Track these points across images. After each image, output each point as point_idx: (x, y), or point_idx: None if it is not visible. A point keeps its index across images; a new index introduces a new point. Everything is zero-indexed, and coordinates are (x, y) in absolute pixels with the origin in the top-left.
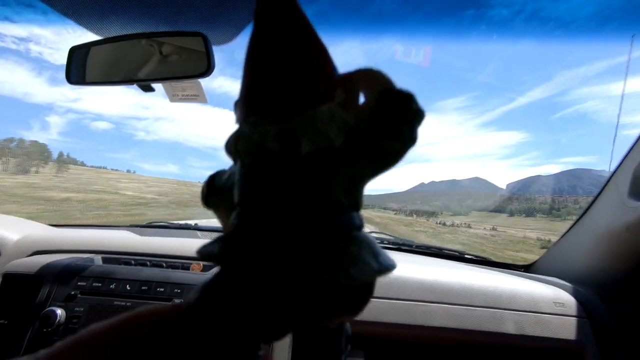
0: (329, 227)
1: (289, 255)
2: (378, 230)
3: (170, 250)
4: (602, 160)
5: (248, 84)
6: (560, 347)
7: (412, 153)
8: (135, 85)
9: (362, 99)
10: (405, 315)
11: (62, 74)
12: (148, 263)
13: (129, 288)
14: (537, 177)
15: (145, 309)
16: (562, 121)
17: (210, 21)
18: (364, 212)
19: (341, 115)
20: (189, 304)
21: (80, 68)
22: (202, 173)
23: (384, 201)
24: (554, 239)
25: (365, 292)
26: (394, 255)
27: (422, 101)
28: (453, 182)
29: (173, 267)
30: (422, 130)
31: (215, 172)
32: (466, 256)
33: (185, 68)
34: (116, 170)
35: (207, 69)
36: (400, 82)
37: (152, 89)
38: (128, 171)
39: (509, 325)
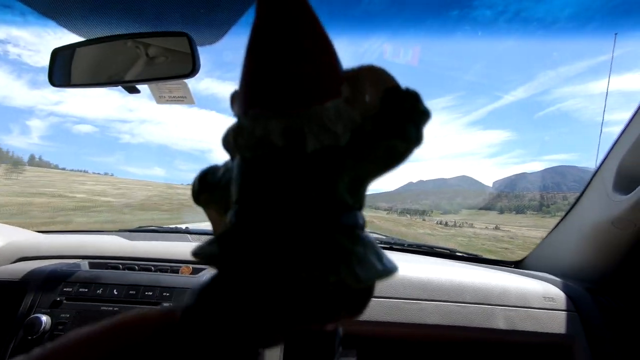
0: (334, 227)
1: (293, 257)
2: (370, 231)
3: (159, 254)
4: (584, 157)
5: (250, 75)
6: (550, 342)
7: None
8: (119, 88)
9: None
10: (397, 314)
11: (43, 77)
12: (136, 267)
13: (116, 293)
14: (523, 175)
15: (134, 314)
16: (545, 120)
17: (194, 22)
18: None
19: (348, 113)
20: (186, 308)
21: (63, 70)
22: (189, 176)
23: (373, 201)
24: None
25: (368, 293)
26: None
27: None
28: (441, 181)
29: (162, 270)
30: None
31: (207, 168)
32: (457, 254)
33: (170, 69)
34: (97, 173)
35: (192, 70)
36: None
37: (137, 91)
38: (106, 174)
39: (500, 321)
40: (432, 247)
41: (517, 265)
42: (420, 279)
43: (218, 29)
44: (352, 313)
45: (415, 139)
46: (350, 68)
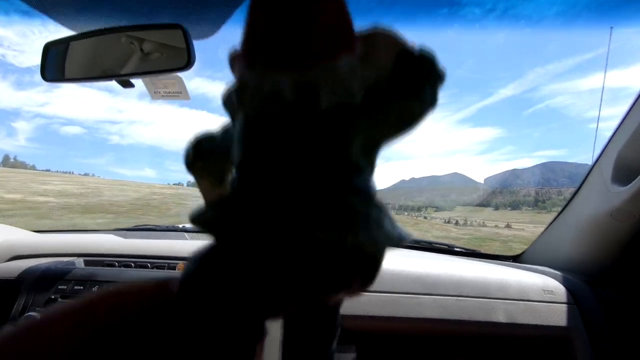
0: (348, 189)
1: (305, 218)
2: None
3: (156, 252)
4: (573, 153)
5: (256, 30)
6: (550, 335)
7: (391, 151)
8: (109, 87)
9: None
10: (396, 308)
11: (29, 77)
12: (132, 265)
13: None
14: (514, 171)
15: (129, 285)
16: (535, 116)
17: (188, 15)
18: None
19: (361, 71)
20: (184, 278)
21: (56, 65)
22: (181, 176)
23: None
24: None
25: (379, 260)
26: None
27: None
28: (433, 178)
29: (159, 267)
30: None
31: (201, 134)
32: (455, 249)
33: (165, 62)
34: (86, 174)
35: (187, 62)
36: None
37: (131, 85)
38: (86, 174)
39: (499, 314)
40: (430, 243)
41: (515, 259)
42: (418, 273)
43: (212, 23)
44: (365, 282)
45: (430, 101)
46: (362, 30)
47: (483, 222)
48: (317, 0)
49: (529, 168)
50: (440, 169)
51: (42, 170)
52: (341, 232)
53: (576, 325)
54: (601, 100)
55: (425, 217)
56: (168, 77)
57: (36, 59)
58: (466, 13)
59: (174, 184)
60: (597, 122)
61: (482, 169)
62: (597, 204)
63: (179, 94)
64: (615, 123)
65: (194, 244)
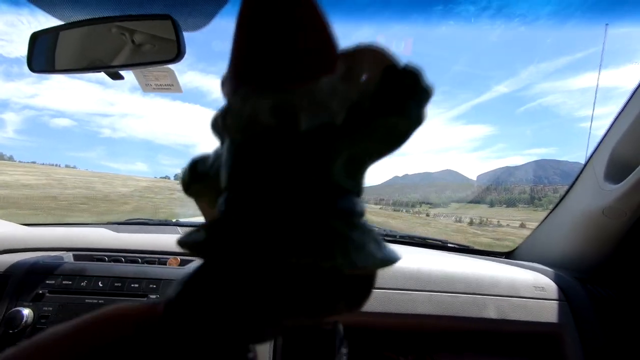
0: (329, 211)
1: (285, 243)
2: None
3: (147, 246)
4: (563, 151)
5: (239, 51)
6: (541, 331)
7: None
8: (99, 80)
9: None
10: (389, 304)
11: (17, 68)
12: (123, 259)
13: (101, 285)
14: (506, 168)
15: (114, 308)
16: (527, 114)
17: (180, 7)
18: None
19: (343, 90)
20: (169, 300)
21: (43, 55)
22: (173, 171)
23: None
24: None
25: (368, 284)
26: None
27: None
28: (426, 175)
29: (149, 262)
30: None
31: (197, 157)
32: (448, 245)
33: (155, 54)
34: (74, 167)
35: (177, 54)
36: None
37: (120, 77)
38: (67, 166)
39: (491, 310)
40: (424, 239)
41: (507, 255)
42: (411, 270)
43: (203, 14)
44: (351, 306)
45: (416, 117)
46: (347, 47)
47: (498, 222)
48: (297, 23)
49: (521, 166)
50: (433, 166)
51: (27, 162)
52: (318, 257)
53: (566, 322)
54: (595, 99)
55: (427, 215)
56: (159, 69)
57: (25, 49)
58: (461, 10)
59: (162, 177)
60: (591, 121)
61: (474, 166)
62: (589, 202)
63: (171, 87)
64: (606, 122)
65: None
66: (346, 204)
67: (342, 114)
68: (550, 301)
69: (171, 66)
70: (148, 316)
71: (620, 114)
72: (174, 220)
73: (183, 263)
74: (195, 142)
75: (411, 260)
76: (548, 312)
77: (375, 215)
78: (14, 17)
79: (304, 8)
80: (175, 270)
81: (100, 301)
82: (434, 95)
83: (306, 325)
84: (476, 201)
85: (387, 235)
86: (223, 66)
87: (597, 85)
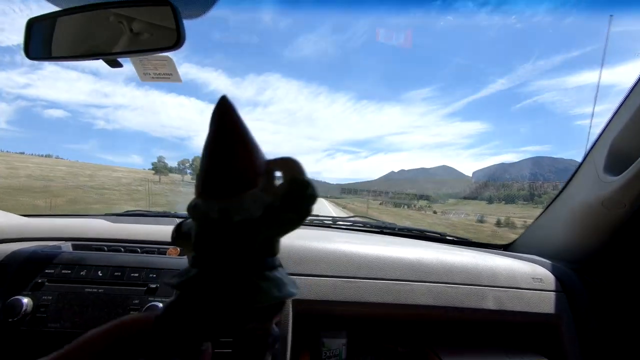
0: (250, 270)
1: (222, 288)
2: (361, 216)
3: (146, 236)
4: (558, 149)
5: (202, 173)
6: (538, 321)
7: (380, 143)
8: (92, 71)
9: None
10: (387, 295)
11: (9, 57)
12: (122, 249)
13: (100, 274)
14: (501, 165)
15: (129, 317)
16: (522, 112)
17: None
18: (355, 203)
19: (262, 197)
20: (157, 316)
21: (40, 42)
22: (169, 164)
23: (358, 190)
24: None
25: (275, 308)
26: (376, 238)
27: (390, 92)
28: (422, 170)
29: (148, 252)
30: (316, 205)
31: (181, 221)
32: (447, 237)
33: (154, 41)
34: (48, 156)
35: (177, 41)
36: (373, 74)
37: (119, 65)
38: (48, 156)
39: (490, 301)
40: (422, 231)
41: (505, 248)
42: (410, 261)
43: (201, 2)
44: (264, 322)
45: (304, 212)
46: (272, 159)
47: (525, 222)
48: (235, 157)
49: (516, 162)
50: (429, 162)
51: (17, 153)
52: (237, 298)
53: (564, 312)
54: (596, 94)
55: (434, 212)
56: (158, 58)
57: (16, 39)
58: (459, 6)
59: (136, 168)
60: (592, 115)
61: (468, 163)
62: (588, 193)
63: (170, 76)
64: (602, 120)
65: None
66: (264, 264)
67: (260, 211)
68: (548, 292)
69: (169, 54)
70: (145, 324)
71: (620, 106)
72: (172, 212)
73: (183, 253)
74: (191, 135)
75: (410, 252)
76: (546, 302)
77: (377, 212)
78: (6, 5)
79: (241, 146)
80: (175, 260)
81: (99, 290)
82: (317, 198)
83: (242, 329)
84: (473, 197)
85: (386, 227)
86: (219, 58)
87: (600, 77)
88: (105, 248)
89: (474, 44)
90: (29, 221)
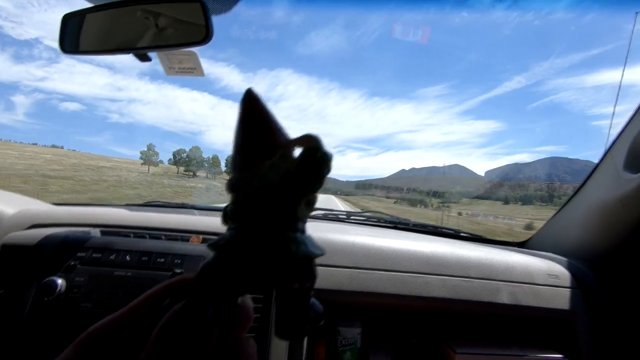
0: (279, 226)
1: (252, 240)
2: (374, 211)
3: (168, 224)
4: (573, 150)
5: (233, 153)
6: (553, 317)
7: (391, 140)
8: (107, 65)
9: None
10: (402, 287)
11: (28, 50)
12: (147, 236)
13: (128, 259)
14: (515, 165)
15: (175, 278)
16: (537, 111)
17: None
18: (367, 202)
19: (279, 164)
20: (196, 274)
21: (74, 36)
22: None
23: (369, 187)
24: None
25: (308, 266)
26: (390, 233)
27: (402, 89)
28: (433, 169)
29: (172, 239)
30: (330, 170)
31: (226, 205)
32: (462, 234)
33: (182, 36)
34: (73, 150)
35: (205, 37)
36: (385, 70)
37: (148, 59)
38: (54, 146)
39: (504, 295)
40: (436, 227)
41: (521, 245)
42: (425, 254)
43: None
44: (301, 279)
45: (318, 177)
46: (295, 137)
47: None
48: (259, 135)
49: (531, 163)
50: (441, 160)
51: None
52: (282, 249)
53: (579, 309)
54: (618, 92)
55: (459, 214)
56: (183, 53)
57: (34, 32)
58: (475, 2)
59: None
60: (613, 113)
61: (481, 162)
62: (607, 191)
63: (194, 70)
64: (622, 120)
65: (203, 219)
66: (291, 225)
67: (279, 177)
68: (563, 288)
69: (194, 49)
70: (184, 281)
71: None
72: (190, 204)
73: (204, 241)
74: (203, 130)
75: (424, 245)
76: (561, 299)
77: (396, 212)
78: None
79: (264, 127)
80: (198, 247)
81: (128, 273)
82: (329, 159)
83: (282, 289)
84: (489, 197)
85: (399, 223)
86: (232, 53)
87: (622, 76)
88: (132, 235)
89: (489, 40)
90: (58, 209)
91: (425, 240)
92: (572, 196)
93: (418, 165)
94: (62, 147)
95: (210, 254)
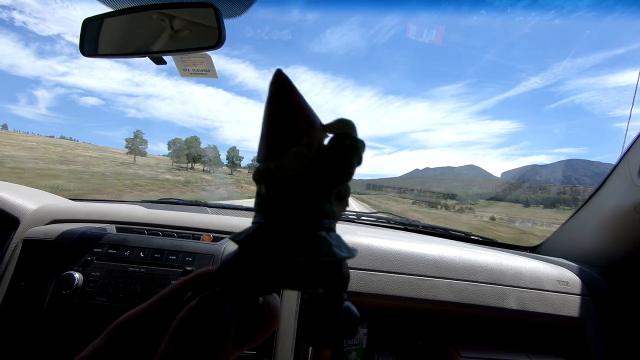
0: (304, 223)
1: (290, 242)
2: (384, 211)
3: (181, 222)
4: (594, 152)
5: (261, 139)
6: (561, 323)
7: (405, 139)
8: (125, 61)
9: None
10: (409, 289)
11: (50, 46)
12: (160, 233)
13: (142, 255)
14: (533, 167)
15: (197, 272)
16: (556, 112)
17: None
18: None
19: (303, 153)
20: (218, 268)
21: (93, 40)
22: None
23: (382, 187)
24: None
25: (336, 269)
26: (400, 234)
27: (417, 88)
28: (448, 169)
29: (184, 237)
30: (366, 156)
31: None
32: (472, 237)
33: (195, 40)
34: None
35: (217, 41)
36: (400, 68)
37: (163, 62)
38: (51, 137)
39: (511, 301)
40: (446, 230)
41: (532, 250)
42: (433, 257)
43: (242, 3)
44: (326, 283)
45: (344, 166)
46: (327, 123)
47: None
48: (284, 122)
49: (549, 165)
50: (455, 160)
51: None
52: (309, 251)
53: (589, 317)
54: (635, 94)
55: (492, 219)
56: (197, 55)
57: (57, 28)
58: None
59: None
60: (629, 117)
61: (497, 162)
62: (621, 197)
63: (207, 72)
64: (638, 124)
65: (215, 218)
66: (320, 223)
67: (303, 167)
68: (574, 295)
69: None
70: (209, 273)
71: None
72: (203, 202)
73: (215, 240)
74: (217, 126)
75: (432, 248)
76: (570, 306)
77: (420, 215)
78: None
79: (291, 111)
80: (209, 245)
81: (141, 269)
82: (360, 146)
83: (309, 294)
84: (507, 199)
85: (409, 224)
86: (247, 50)
87: (639, 78)
88: (145, 232)
89: (507, 39)
90: (77, 204)
91: (434, 243)
92: (586, 201)
93: (432, 165)
94: (70, 139)
95: (219, 252)
